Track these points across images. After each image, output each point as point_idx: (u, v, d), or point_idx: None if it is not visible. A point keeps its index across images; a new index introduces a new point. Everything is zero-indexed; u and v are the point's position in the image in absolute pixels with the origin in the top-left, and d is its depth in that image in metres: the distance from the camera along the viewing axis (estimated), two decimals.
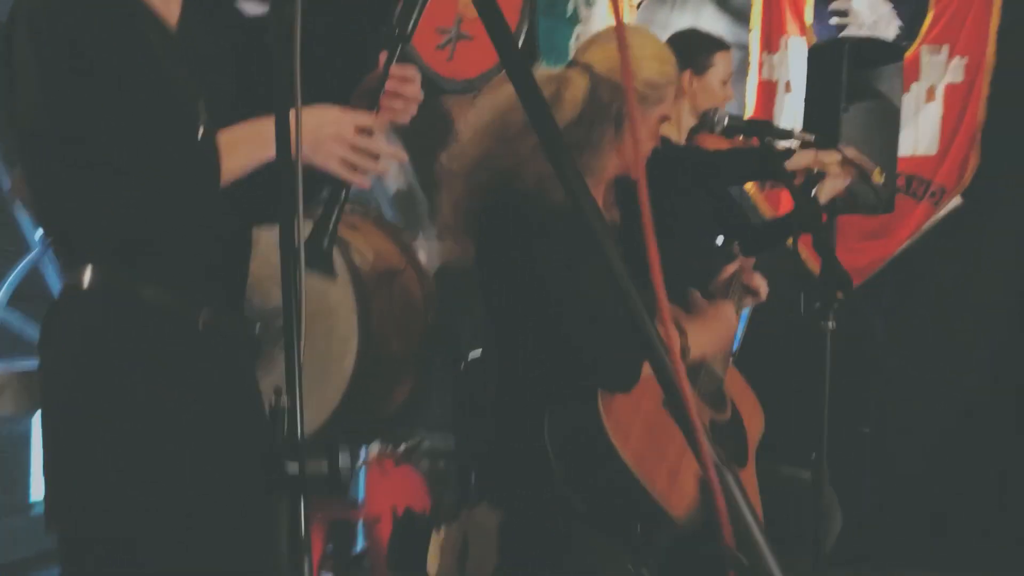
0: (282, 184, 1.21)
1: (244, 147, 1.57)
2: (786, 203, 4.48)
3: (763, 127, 2.20)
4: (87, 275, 1.59)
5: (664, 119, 2.19)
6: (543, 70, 2.23)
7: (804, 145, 2.25)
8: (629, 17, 4.74)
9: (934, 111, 4.69)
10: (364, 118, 1.63)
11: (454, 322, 3.11)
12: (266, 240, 1.84)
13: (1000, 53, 4.58)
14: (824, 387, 2.02)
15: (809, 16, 4.76)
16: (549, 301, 2.00)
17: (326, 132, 1.59)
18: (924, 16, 4.69)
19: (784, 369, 3.42)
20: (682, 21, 4.89)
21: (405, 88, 1.68)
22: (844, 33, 4.71)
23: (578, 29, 4.43)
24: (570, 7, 4.36)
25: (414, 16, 1.61)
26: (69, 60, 1.52)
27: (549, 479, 1.97)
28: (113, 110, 1.52)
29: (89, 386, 1.59)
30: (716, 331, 2.13)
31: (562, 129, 2.08)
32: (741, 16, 4.83)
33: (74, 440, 1.59)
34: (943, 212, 4.69)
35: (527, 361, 2.08)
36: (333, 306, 2.64)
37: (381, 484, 3.54)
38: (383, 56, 1.67)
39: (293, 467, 1.07)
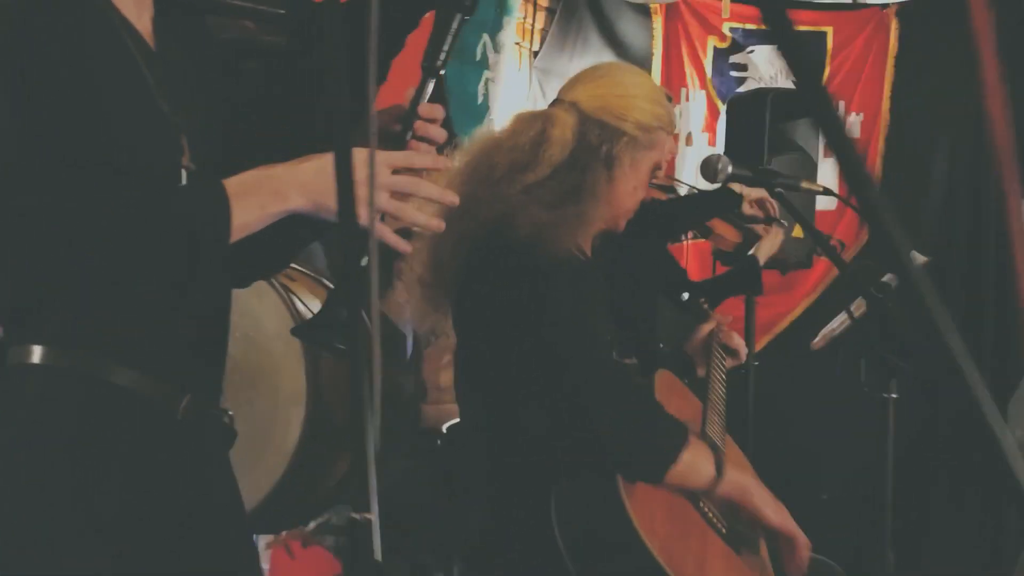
0: (343, 234, 0.98)
1: (255, 198, 1.30)
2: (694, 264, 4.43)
3: (769, 175, 2.07)
4: (37, 354, 1.29)
5: (657, 167, 2.02)
6: (525, 109, 2.03)
7: (806, 193, 2.13)
8: (526, 65, 4.62)
9: (833, 166, 4.71)
10: (399, 158, 1.39)
11: (403, 382, 2.85)
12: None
13: (894, 111, 4.66)
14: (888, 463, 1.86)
15: (708, 68, 4.73)
16: (561, 367, 1.77)
17: (355, 176, 1.35)
18: (821, 72, 4.73)
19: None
20: (582, 65, 4.79)
21: (431, 130, 1.44)
22: (743, 87, 4.71)
23: (487, 73, 4.26)
24: (478, 51, 4.20)
25: (445, 48, 1.39)
26: (26, 73, 1.22)
27: (558, 570, 1.73)
28: (89, 139, 1.23)
29: (49, 489, 1.28)
30: (742, 478, 1.90)
31: (553, 172, 1.88)
32: (640, 67, 4.75)
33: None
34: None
35: (530, 436, 1.84)
36: (278, 363, 2.33)
37: (287, 569, 3.21)
38: (409, 92, 1.44)
39: None
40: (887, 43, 4.66)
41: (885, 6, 4.67)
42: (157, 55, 1.35)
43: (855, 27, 4.69)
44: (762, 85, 4.68)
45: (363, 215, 1.36)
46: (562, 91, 2.04)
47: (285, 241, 1.50)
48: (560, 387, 1.76)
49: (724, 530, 1.85)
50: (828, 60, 4.73)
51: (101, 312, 1.29)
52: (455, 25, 1.37)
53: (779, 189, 2.03)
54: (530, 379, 1.81)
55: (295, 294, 2.57)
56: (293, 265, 2.74)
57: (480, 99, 4.16)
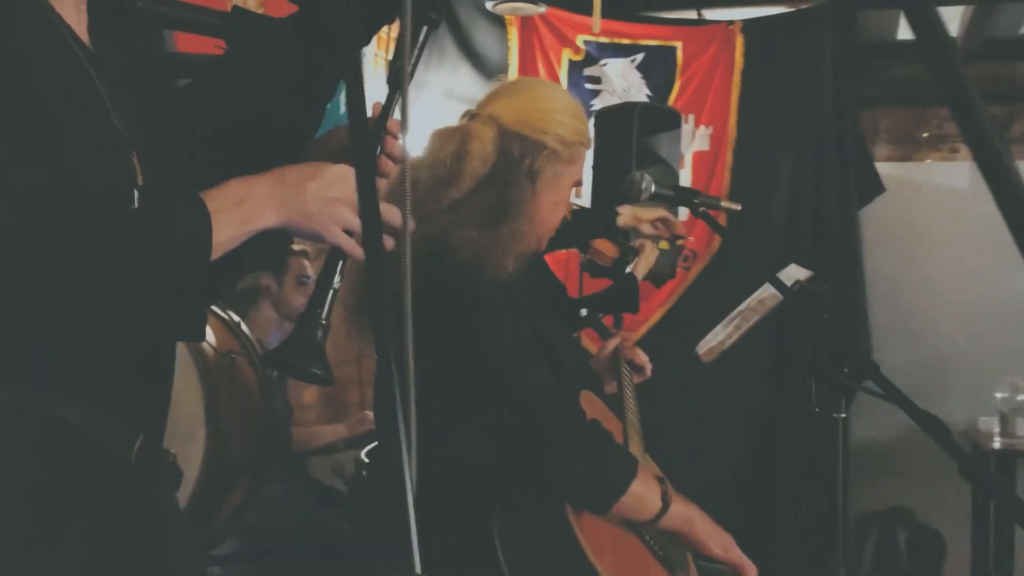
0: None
1: (235, 215, 1.20)
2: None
3: (691, 193, 2.07)
4: None
5: (576, 184, 1.99)
6: (442, 125, 1.97)
7: (725, 211, 2.14)
8: (378, 75, 4.54)
9: (684, 178, 4.81)
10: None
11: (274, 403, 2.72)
12: None
13: (741, 124, 4.80)
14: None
15: (564, 81, 4.76)
16: (506, 395, 1.71)
17: (334, 193, 1.26)
18: (672, 86, 4.84)
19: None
20: (438, 80, 4.75)
21: (396, 147, 1.38)
22: (596, 100, 4.76)
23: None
24: None
25: (412, 59, 1.32)
26: None
27: None
28: (44, 159, 1.10)
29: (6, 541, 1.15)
30: (704, 521, 1.88)
31: (477, 187, 1.83)
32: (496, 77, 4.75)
33: None
34: (694, 276, 4.81)
35: (468, 464, 1.77)
36: (175, 398, 2.18)
37: None
38: (376, 107, 1.37)
39: None
40: (733, 58, 4.80)
41: (731, 22, 4.81)
42: (96, 58, 1.23)
43: (703, 42, 4.82)
44: (615, 98, 4.75)
45: (335, 232, 1.28)
46: (479, 106, 1.99)
47: (237, 263, 1.40)
48: (506, 415, 1.70)
49: (661, 553, 1.84)
50: (678, 75, 4.84)
51: (52, 347, 1.17)
52: (422, 39, 1.31)
53: (702, 208, 2.04)
54: (472, 406, 1.75)
55: None
56: None
57: (343, 109, 4.04)
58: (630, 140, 3.67)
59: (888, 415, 4.94)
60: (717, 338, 2.80)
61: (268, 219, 1.24)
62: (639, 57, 4.82)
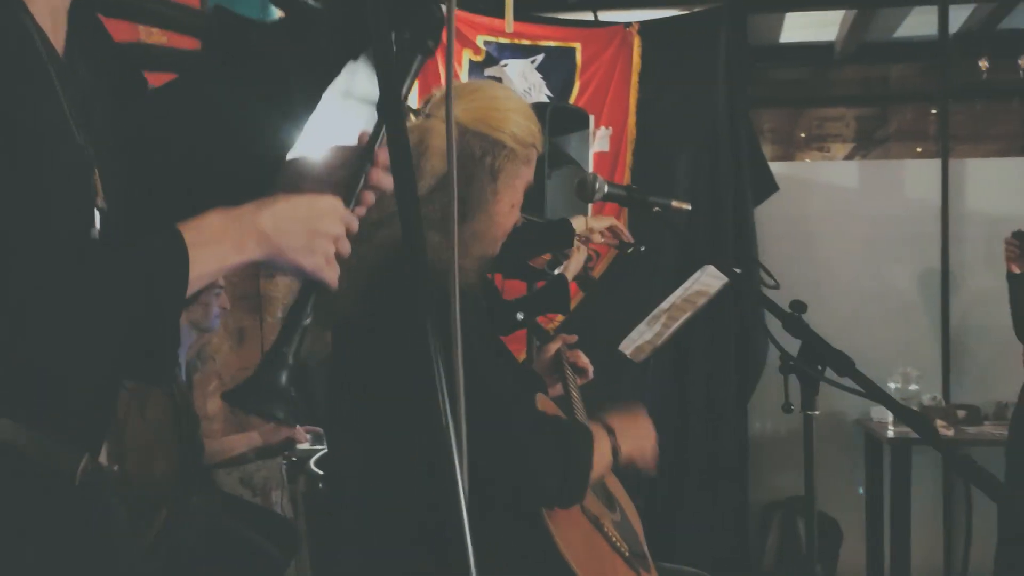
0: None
1: (215, 249, 1.13)
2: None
3: (642, 194, 2.06)
4: None
5: (529, 186, 1.97)
6: (340, 126, 1.93)
7: (669, 214, 2.14)
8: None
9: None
10: (350, 216, 1.27)
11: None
12: None
13: (640, 124, 4.86)
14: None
15: (465, 80, 4.74)
16: (473, 403, 1.67)
17: (321, 227, 1.21)
18: (571, 87, 4.86)
19: None
20: (336, 80, 4.66)
21: (384, 181, 1.32)
22: None
23: None
24: None
25: (407, 84, 1.28)
26: None
27: None
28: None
29: None
30: (638, 431, 1.92)
31: (438, 184, 1.79)
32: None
33: None
34: (597, 275, 4.85)
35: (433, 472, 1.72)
36: None
37: None
38: (363, 135, 1.31)
39: None
40: (631, 59, 4.86)
41: (628, 24, 4.87)
42: (67, 68, 1.15)
43: (602, 44, 4.86)
44: None
45: (321, 267, 1.23)
46: (432, 108, 1.95)
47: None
48: (473, 424, 1.66)
49: (627, 553, 1.84)
50: (577, 75, 4.87)
51: (4, 377, 1.09)
52: (415, 67, 1.26)
53: (656, 208, 2.04)
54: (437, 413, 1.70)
55: None
56: None
57: None
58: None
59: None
60: (644, 336, 2.82)
61: (250, 253, 1.17)
62: (539, 58, 4.84)
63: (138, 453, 2.15)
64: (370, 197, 1.32)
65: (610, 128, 4.88)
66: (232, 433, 3.87)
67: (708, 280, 2.68)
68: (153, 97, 1.30)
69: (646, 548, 2.00)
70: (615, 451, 1.81)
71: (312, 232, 1.19)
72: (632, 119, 4.88)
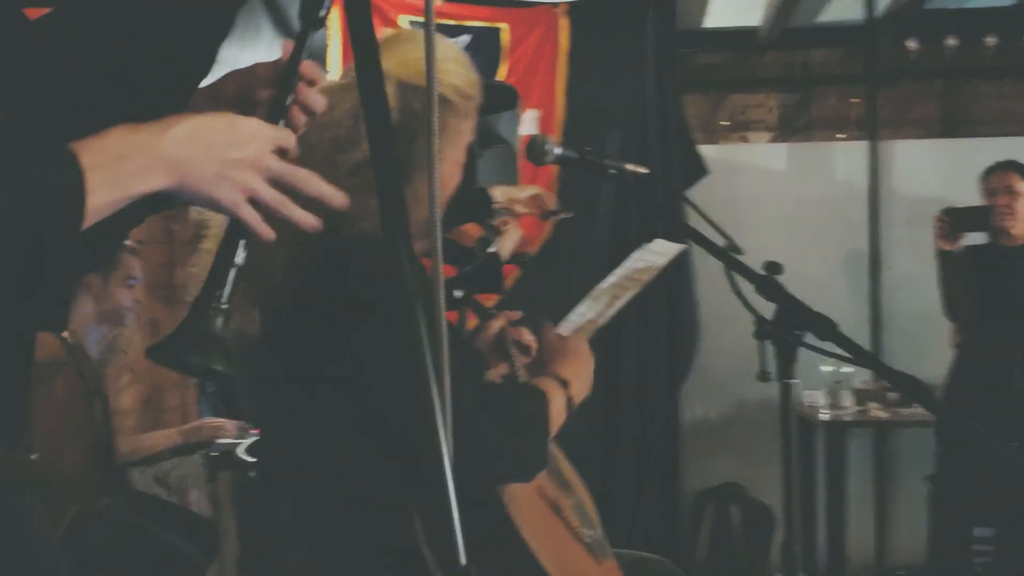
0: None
1: (115, 174, 0.97)
2: None
3: (597, 155, 1.94)
4: None
5: (469, 146, 1.84)
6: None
7: (612, 179, 2.02)
8: None
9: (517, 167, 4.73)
10: (285, 134, 1.11)
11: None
12: None
13: (569, 106, 4.76)
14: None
15: None
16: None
17: (240, 153, 1.04)
18: (498, 70, 4.74)
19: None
20: (255, 57, 4.46)
21: (312, 97, 1.17)
22: None
23: None
24: None
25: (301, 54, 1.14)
26: None
27: None
28: None
29: None
30: (585, 370, 1.82)
31: None
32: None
33: None
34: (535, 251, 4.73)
35: (375, 457, 1.57)
36: None
37: None
38: (287, 47, 1.16)
39: None
40: (558, 41, 4.75)
41: (555, 4, 4.76)
42: None
43: (528, 24, 4.75)
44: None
45: (237, 202, 1.07)
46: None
47: (115, 234, 1.17)
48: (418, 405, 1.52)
49: (587, 540, 1.72)
50: (504, 57, 4.75)
51: None
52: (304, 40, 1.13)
53: (611, 171, 1.92)
54: (383, 392, 1.56)
55: None
56: None
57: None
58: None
59: (714, 394, 5.04)
60: (585, 316, 2.70)
61: (157, 181, 1.01)
62: (464, 39, 4.70)
63: (47, 438, 1.96)
64: (300, 117, 1.17)
65: (539, 111, 4.76)
66: (148, 429, 3.67)
67: (655, 255, 2.57)
68: (44, 20, 1.13)
69: (602, 533, 1.88)
70: (569, 401, 1.70)
71: (228, 160, 1.03)
72: (561, 101, 4.78)
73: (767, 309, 1.68)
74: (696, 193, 4.94)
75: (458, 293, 2.41)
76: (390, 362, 1.55)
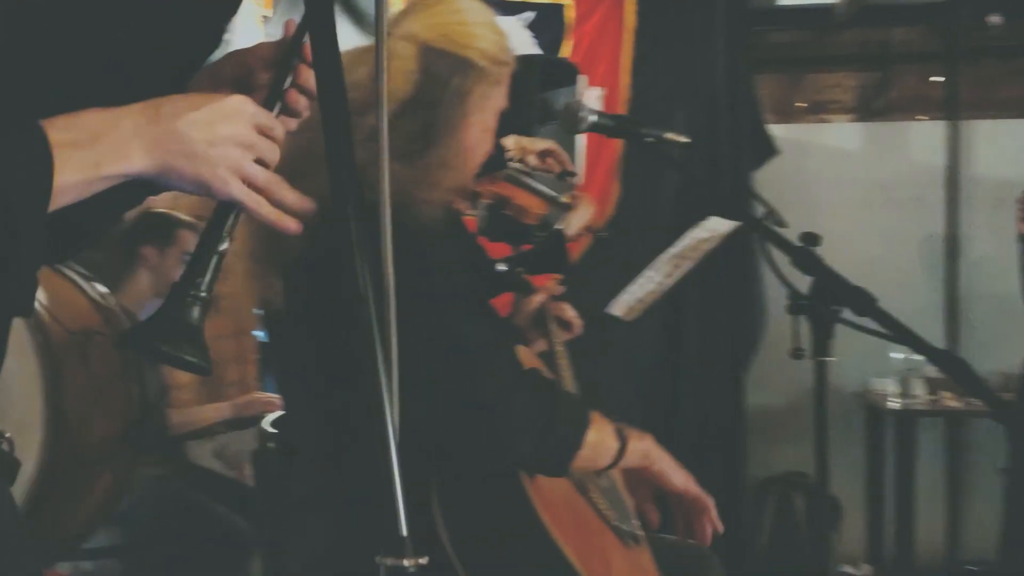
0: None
1: (87, 153, 0.93)
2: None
3: (633, 123, 1.88)
4: None
5: (502, 112, 1.79)
6: (356, 45, 1.72)
7: (657, 144, 1.95)
8: (258, 29, 4.23)
9: (577, 142, 4.65)
10: (266, 116, 1.06)
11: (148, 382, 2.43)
12: None
13: (634, 84, 4.66)
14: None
15: None
16: (441, 351, 1.48)
17: (223, 131, 0.99)
18: (562, 47, 4.66)
19: None
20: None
21: (312, 79, 1.12)
22: None
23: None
24: None
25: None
26: None
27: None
28: None
29: None
30: (648, 446, 1.73)
31: (400, 111, 1.60)
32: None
33: None
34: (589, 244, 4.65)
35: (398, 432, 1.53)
36: (6, 380, 1.88)
37: None
38: (290, 25, 1.11)
39: None
40: (624, 18, 4.66)
41: None
42: None
43: (593, 1, 4.65)
44: None
45: (227, 180, 1.03)
46: (391, 25, 1.75)
47: (97, 214, 1.13)
48: (441, 377, 1.48)
49: (614, 523, 1.66)
50: (568, 34, 4.66)
51: None
52: None
53: (648, 139, 1.85)
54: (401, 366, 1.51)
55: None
56: None
57: None
58: (531, 94, 3.49)
59: (782, 378, 4.90)
60: (635, 295, 2.63)
61: (135, 162, 0.97)
62: (529, 15, 4.62)
63: (77, 409, 1.96)
64: (300, 100, 1.12)
65: (603, 89, 4.67)
66: (204, 403, 3.69)
67: (708, 231, 2.48)
68: None
69: (637, 522, 1.81)
70: (621, 439, 1.62)
71: (212, 138, 0.98)
72: (626, 80, 4.68)
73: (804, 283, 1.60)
74: (767, 174, 4.83)
75: (501, 267, 2.35)
76: (408, 329, 1.50)
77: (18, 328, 1.97)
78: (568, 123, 1.93)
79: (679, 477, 1.73)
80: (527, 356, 1.80)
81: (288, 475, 1.67)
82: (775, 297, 4.75)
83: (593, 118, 1.90)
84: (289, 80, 1.10)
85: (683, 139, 1.92)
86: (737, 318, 4.71)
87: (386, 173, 1.03)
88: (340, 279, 1.57)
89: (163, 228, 3.41)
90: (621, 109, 4.67)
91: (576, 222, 2.80)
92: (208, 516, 3.21)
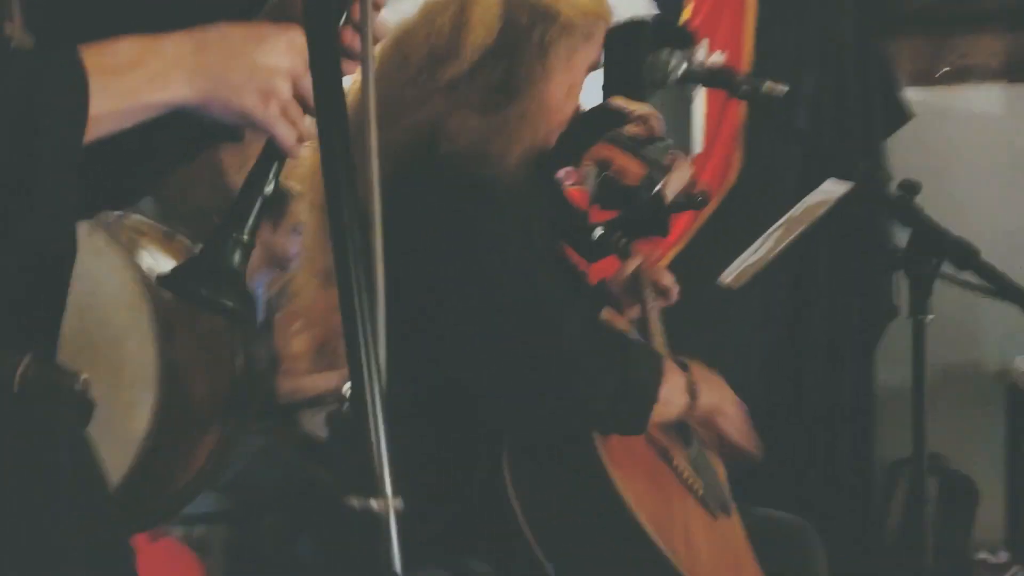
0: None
1: (125, 80, 0.90)
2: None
3: (728, 73, 1.78)
4: None
5: (592, 68, 1.72)
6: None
7: (760, 98, 1.84)
8: None
9: (697, 108, 4.51)
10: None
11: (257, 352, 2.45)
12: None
13: (758, 47, 4.49)
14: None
15: None
16: (514, 307, 1.43)
17: (273, 60, 0.95)
18: (683, 9, 4.53)
19: None
20: None
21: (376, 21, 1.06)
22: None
23: None
24: None
25: None
26: None
27: (514, 547, 1.40)
28: None
29: None
30: (728, 398, 1.67)
31: (480, 62, 1.54)
32: None
33: None
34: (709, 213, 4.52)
35: (470, 393, 1.49)
36: (119, 337, 1.90)
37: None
38: None
39: None
40: None
41: None
42: None
43: None
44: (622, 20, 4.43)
45: (270, 116, 0.98)
46: None
47: (152, 152, 1.10)
48: (514, 331, 1.42)
49: (700, 492, 1.58)
50: None
51: None
52: None
53: (744, 88, 1.75)
54: (472, 324, 1.46)
55: (143, 251, 2.15)
56: (137, 223, 2.30)
57: None
58: (640, 55, 3.38)
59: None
60: (747, 261, 2.51)
61: (176, 91, 0.93)
62: None
63: (187, 367, 1.98)
64: (354, 40, 1.05)
65: (725, 53, 4.50)
66: (317, 374, 3.73)
67: (824, 194, 2.36)
68: None
69: (728, 492, 1.73)
70: (692, 394, 1.54)
71: (258, 67, 0.94)
72: (749, 43, 4.51)
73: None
74: (902, 140, 4.60)
75: (598, 231, 2.27)
76: (480, 282, 1.45)
77: (131, 285, 2.00)
78: (654, 74, 1.83)
79: (741, 438, 1.62)
80: (616, 320, 1.73)
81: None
82: None
83: (683, 67, 1.79)
84: (345, 17, 1.04)
85: (781, 88, 1.80)
86: (866, 289, 4.50)
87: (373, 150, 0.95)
88: (417, 223, 1.53)
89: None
90: (744, 70, 4.51)
91: (674, 184, 2.70)
92: (315, 484, 3.24)
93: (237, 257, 0.97)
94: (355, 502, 0.81)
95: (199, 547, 3.03)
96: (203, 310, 1.05)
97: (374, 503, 0.80)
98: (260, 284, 3.40)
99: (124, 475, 1.89)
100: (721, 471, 1.77)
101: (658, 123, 2.57)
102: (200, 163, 1.30)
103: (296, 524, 3.21)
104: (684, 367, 1.60)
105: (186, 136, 1.07)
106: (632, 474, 1.44)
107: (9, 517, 0.97)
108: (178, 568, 2.71)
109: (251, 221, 0.99)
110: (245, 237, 0.98)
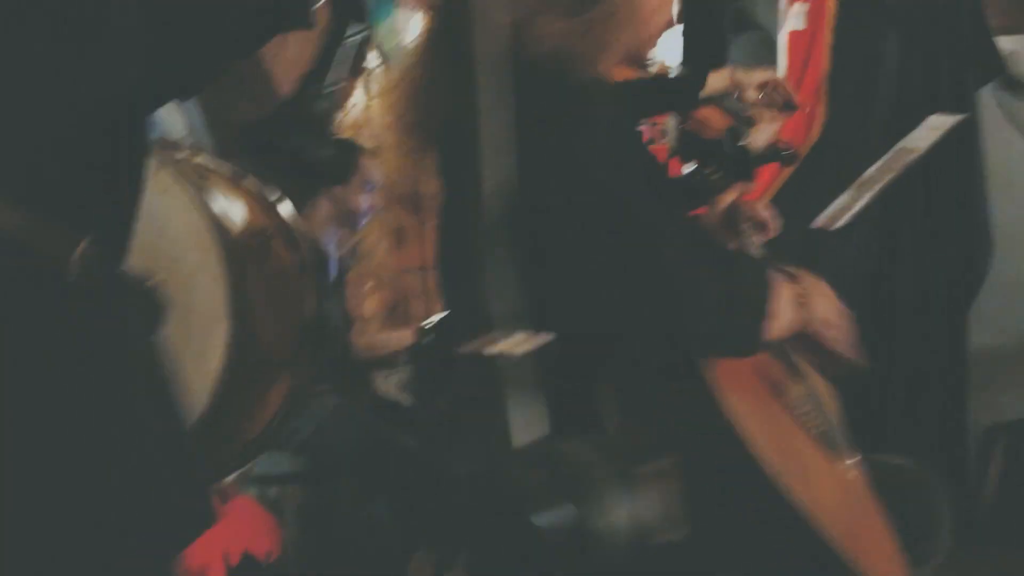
0: None
1: None
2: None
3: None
4: None
5: None
6: None
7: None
8: None
9: (778, 60, 4.34)
10: None
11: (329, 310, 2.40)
12: None
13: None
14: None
15: None
16: (610, 220, 1.32)
17: None
18: None
19: None
20: None
21: None
22: None
23: None
24: None
25: None
26: None
27: None
28: None
29: None
30: (835, 307, 1.53)
31: None
32: None
33: None
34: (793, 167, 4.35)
35: (564, 317, 1.37)
36: (189, 276, 1.83)
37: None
38: None
39: None
40: None
41: None
42: None
43: None
44: None
45: None
46: None
47: (225, 32, 1.04)
48: (611, 247, 1.31)
49: (814, 431, 1.45)
50: None
51: None
52: None
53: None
54: (564, 241, 1.35)
55: (211, 191, 2.09)
56: (203, 162, 2.24)
57: None
58: (724, 2, 3.25)
59: (1009, 315, 4.47)
60: (840, 204, 2.38)
61: None
62: None
63: (259, 309, 1.92)
64: None
65: (806, 3, 4.34)
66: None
67: (930, 128, 2.21)
68: None
69: (843, 434, 1.60)
70: (804, 306, 1.41)
71: None
72: None
73: None
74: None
75: (688, 168, 2.14)
76: (573, 181, 1.34)
77: (200, 226, 1.93)
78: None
79: (849, 351, 1.55)
80: None
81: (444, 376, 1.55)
82: (1002, 224, 4.33)
83: None
84: None
85: None
86: (959, 247, 4.31)
87: None
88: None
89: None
90: (827, 25, 4.33)
91: (760, 137, 2.56)
92: (391, 447, 3.17)
93: (320, 105, 0.90)
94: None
95: (273, 508, 2.98)
96: (292, 163, 0.98)
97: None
98: (331, 241, 3.34)
99: (196, 419, 1.82)
100: (836, 413, 1.64)
101: (784, 87, 2.43)
102: (250, 72, 1.24)
103: (371, 486, 3.14)
104: (791, 276, 1.47)
105: (260, 19, 0.99)
106: (745, 402, 1.31)
107: (71, 412, 0.90)
108: (255, 525, 2.66)
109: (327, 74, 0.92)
110: (327, 89, 0.91)
